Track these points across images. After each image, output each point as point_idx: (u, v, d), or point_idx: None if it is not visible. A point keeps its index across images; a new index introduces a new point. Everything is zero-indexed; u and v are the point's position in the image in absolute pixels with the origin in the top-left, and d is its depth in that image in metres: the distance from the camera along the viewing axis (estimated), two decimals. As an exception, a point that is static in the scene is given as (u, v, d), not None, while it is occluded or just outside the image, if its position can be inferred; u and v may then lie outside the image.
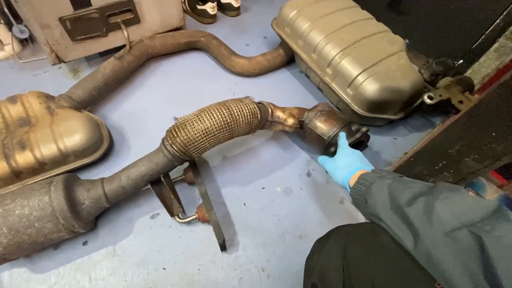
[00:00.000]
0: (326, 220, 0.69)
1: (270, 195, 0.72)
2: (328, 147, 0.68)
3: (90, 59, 0.97)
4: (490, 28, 0.88)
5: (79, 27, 0.81)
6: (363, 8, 0.93)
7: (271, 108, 0.69)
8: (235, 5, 1.17)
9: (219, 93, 0.92)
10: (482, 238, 0.26)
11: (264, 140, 0.83)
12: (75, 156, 0.67)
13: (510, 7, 0.81)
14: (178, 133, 0.55)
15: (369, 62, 0.75)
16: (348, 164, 0.52)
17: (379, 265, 0.35)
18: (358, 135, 0.66)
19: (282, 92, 0.95)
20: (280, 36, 0.93)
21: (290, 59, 1.00)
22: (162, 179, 0.61)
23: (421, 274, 0.31)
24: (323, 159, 0.61)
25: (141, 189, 0.62)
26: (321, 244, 0.45)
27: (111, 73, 0.83)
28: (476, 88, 0.89)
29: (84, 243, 0.62)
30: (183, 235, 0.64)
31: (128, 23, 0.90)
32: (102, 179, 0.60)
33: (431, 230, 0.30)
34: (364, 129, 0.68)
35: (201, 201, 0.63)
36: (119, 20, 0.88)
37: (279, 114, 0.70)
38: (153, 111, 0.85)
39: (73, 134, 0.65)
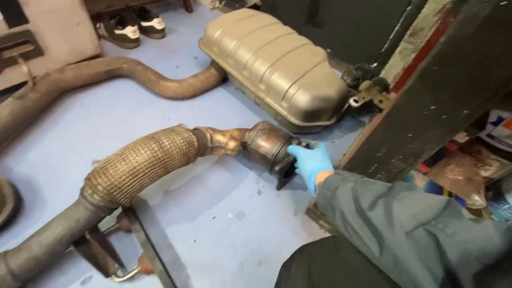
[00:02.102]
0: (283, 238, 0.67)
1: (222, 224, 0.67)
2: (273, 165, 0.67)
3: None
4: (392, 34, 1.01)
5: (-43, 66, 0.67)
6: (284, 23, 0.97)
7: (209, 133, 0.65)
8: (159, 27, 1.12)
9: (152, 122, 0.85)
10: (437, 237, 0.26)
11: (209, 166, 0.78)
12: (-36, 229, 0.52)
13: (404, 14, 0.95)
14: (99, 179, 0.47)
15: (297, 74, 0.77)
16: (322, 160, 0.55)
17: (343, 282, 0.34)
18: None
19: (221, 112, 0.92)
20: (209, 56, 0.91)
21: (224, 77, 0.98)
22: (89, 236, 0.52)
23: (387, 286, 0.30)
24: (295, 147, 0.62)
25: (62, 254, 0.51)
26: (286, 269, 0.43)
27: (11, 116, 0.69)
28: (391, 86, 1.01)
29: None
30: (126, 294, 0.55)
31: (28, 56, 0.77)
32: (5, 253, 0.47)
33: (393, 233, 0.29)
34: (303, 143, 0.69)
35: (142, 250, 0.55)
36: (15, 53, 0.75)
37: (219, 138, 0.67)
38: (72, 154, 0.73)
39: (-44, 202, 0.51)
